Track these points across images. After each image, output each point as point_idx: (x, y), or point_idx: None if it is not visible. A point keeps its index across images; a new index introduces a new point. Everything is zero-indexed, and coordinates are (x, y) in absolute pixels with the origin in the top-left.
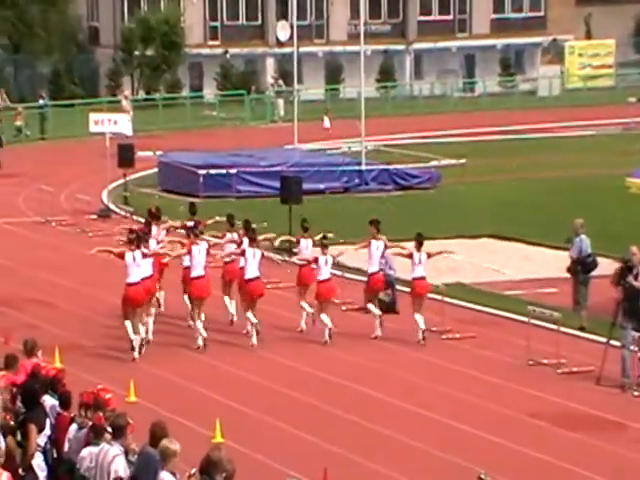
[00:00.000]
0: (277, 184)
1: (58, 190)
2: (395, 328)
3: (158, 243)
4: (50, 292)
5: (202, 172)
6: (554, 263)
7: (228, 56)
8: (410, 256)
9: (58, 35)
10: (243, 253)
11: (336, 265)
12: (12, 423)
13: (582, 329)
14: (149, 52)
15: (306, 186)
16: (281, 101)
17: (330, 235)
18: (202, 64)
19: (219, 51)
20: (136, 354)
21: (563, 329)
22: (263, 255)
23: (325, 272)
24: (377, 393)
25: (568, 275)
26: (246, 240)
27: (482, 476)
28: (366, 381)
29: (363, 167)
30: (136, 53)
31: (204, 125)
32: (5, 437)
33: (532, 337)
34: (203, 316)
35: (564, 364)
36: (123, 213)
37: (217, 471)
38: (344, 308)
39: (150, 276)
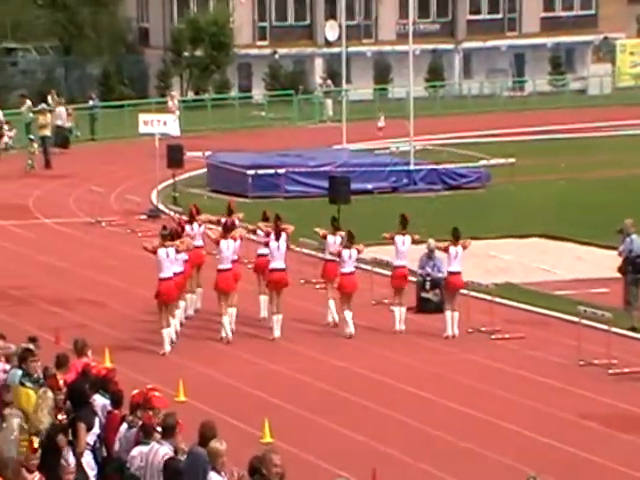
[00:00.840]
0: (325, 184)
1: (108, 191)
2: (442, 327)
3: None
4: (100, 292)
5: (251, 172)
6: (605, 263)
7: (277, 56)
8: (446, 250)
9: (108, 36)
10: (267, 244)
11: (386, 265)
12: (63, 421)
13: (633, 329)
14: (198, 53)
15: (354, 186)
16: (329, 101)
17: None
18: (251, 64)
19: (267, 51)
20: (167, 347)
21: (614, 329)
22: (288, 247)
23: (349, 266)
24: (425, 393)
25: (619, 275)
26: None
27: (532, 477)
28: (414, 381)
29: (411, 167)
30: (185, 54)
31: (252, 125)
32: (57, 435)
33: (582, 338)
34: (234, 310)
35: (615, 365)
36: (172, 214)
37: (268, 470)
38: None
39: (181, 272)
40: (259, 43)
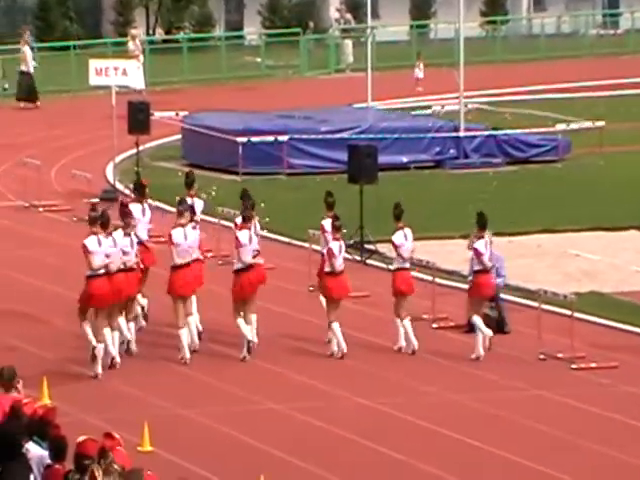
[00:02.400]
0: (343, 156)
1: (47, 164)
2: (501, 352)
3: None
4: (37, 302)
5: (242, 140)
6: None
7: None
8: (470, 246)
9: None
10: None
11: (426, 267)
12: None
13: None
14: None
15: (383, 159)
16: (349, 43)
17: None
18: None
19: None
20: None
21: None
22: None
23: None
24: (485, 445)
25: None
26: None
27: None
28: (466, 428)
29: (461, 133)
30: None
31: (244, 76)
32: None
33: None
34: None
35: None
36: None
37: None
38: (435, 326)
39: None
40: None
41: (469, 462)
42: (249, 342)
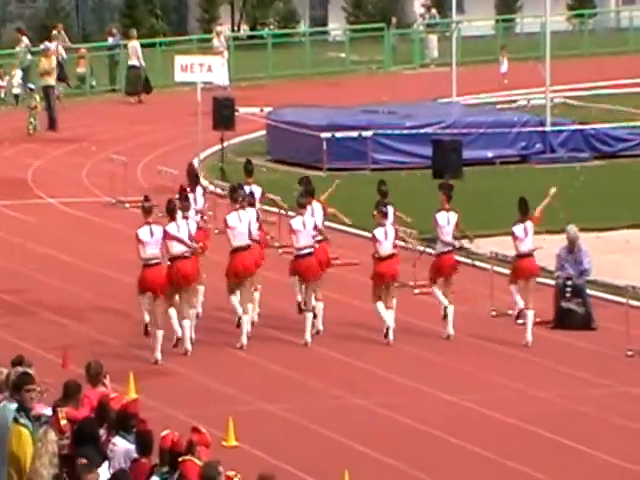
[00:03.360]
0: (428, 151)
1: (133, 160)
2: (583, 348)
3: (197, 213)
4: (123, 298)
5: (326, 135)
6: None
7: None
8: (513, 234)
9: None
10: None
11: (512, 263)
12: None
13: None
14: None
15: (468, 154)
16: (434, 38)
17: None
18: None
19: None
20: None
21: None
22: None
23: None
24: (577, 444)
25: None
26: None
27: None
28: (556, 426)
29: (548, 127)
30: None
31: (328, 72)
32: None
33: None
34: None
35: None
36: (220, 191)
37: None
38: (520, 322)
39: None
40: None
41: (558, 460)
42: (318, 332)
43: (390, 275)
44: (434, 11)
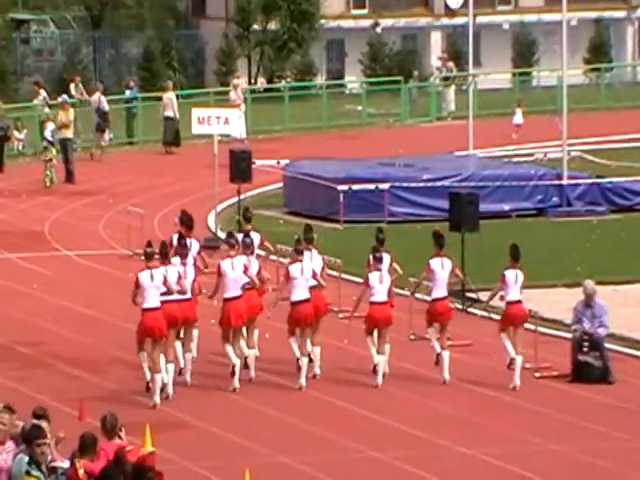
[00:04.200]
0: (445, 204)
1: (151, 213)
2: (608, 402)
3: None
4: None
5: (343, 188)
6: None
7: (379, 30)
8: (502, 279)
9: (151, 4)
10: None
11: (530, 316)
12: None
13: None
14: (272, 26)
15: (484, 207)
16: (451, 91)
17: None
18: (343, 41)
19: (367, 23)
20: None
21: None
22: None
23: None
24: None
25: None
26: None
27: None
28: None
29: (564, 181)
30: (255, 27)
31: (345, 124)
32: None
33: None
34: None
35: None
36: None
37: None
38: (538, 375)
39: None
40: (355, 12)
41: None
42: (314, 375)
43: (383, 320)
44: (451, 64)
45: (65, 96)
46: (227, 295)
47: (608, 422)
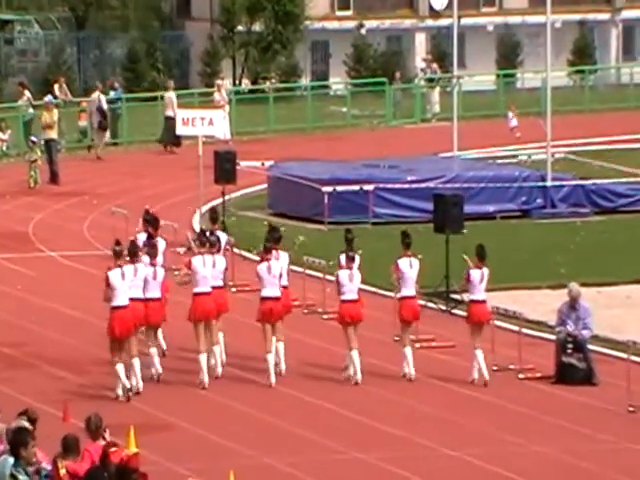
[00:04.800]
0: (429, 206)
1: (135, 214)
2: (592, 404)
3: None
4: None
5: (327, 189)
6: None
7: (363, 31)
8: (467, 278)
9: (135, 5)
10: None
11: (513, 317)
12: None
13: None
14: (257, 27)
15: (469, 208)
16: (436, 93)
17: None
18: (328, 42)
19: (351, 25)
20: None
21: None
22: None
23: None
24: None
25: None
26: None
27: None
28: None
29: (549, 182)
30: (239, 28)
31: (330, 126)
32: None
33: None
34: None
35: None
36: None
37: None
38: (521, 376)
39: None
40: (340, 14)
41: None
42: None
43: (353, 318)
44: (435, 66)
45: (50, 97)
46: (197, 290)
47: (592, 424)
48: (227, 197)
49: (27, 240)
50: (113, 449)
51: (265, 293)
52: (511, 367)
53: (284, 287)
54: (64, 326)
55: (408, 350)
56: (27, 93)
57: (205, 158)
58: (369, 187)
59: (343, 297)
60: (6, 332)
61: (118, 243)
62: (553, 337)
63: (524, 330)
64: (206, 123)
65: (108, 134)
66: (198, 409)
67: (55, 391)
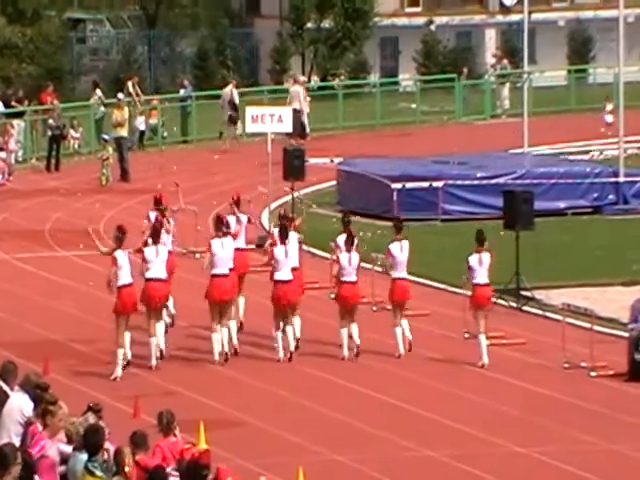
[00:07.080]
0: (499, 202)
1: (204, 210)
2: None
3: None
4: (198, 346)
5: (396, 186)
6: None
7: (433, 28)
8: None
9: (205, 3)
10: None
11: (584, 315)
12: None
13: None
14: (326, 24)
15: (539, 205)
16: (506, 89)
17: None
18: (397, 39)
19: (420, 21)
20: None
21: None
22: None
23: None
24: None
25: None
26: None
27: None
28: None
29: (621, 178)
30: (309, 25)
31: (399, 122)
32: None
33: None
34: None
35: None
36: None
37: None
38: (594, 374)
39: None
40: (409, 10)
41: None
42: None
43: (352, 298)
44: (505, 61)
45: (120, 95)
46: (215, 272)
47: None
48: (296, 194)
49: (99, 237)
50: (187, 446)
51: (279, 277)
52: (583, 365)
53: (295, 269)
54: (135, 323)
55: (398, 330)
56: (98, 91)
57: (274, 154)
58: (438, 184)
59: (343, 279)
60: (78, 328)
61: (120, 229)
62: (626, 334)
63: (596, 327)
64: (275, 120)
65: (239, 126)
66: (268, 405)
67: (126, 387)
